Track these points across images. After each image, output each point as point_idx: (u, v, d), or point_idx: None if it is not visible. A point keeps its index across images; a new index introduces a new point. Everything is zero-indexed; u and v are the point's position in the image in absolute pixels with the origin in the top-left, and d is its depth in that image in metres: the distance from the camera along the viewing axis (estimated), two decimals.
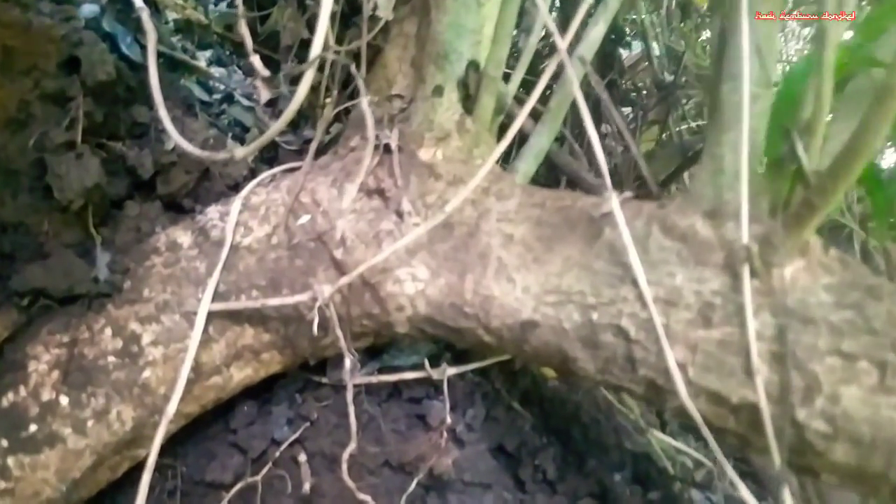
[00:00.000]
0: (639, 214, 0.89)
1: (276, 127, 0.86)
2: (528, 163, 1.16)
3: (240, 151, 0.92)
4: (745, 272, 0.76)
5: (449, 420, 1.09)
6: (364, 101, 0.96)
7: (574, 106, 0.97)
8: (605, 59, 1.79)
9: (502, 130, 0.99)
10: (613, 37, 1.81)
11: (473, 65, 1.03)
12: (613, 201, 0.85)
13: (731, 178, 0.81)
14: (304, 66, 0.81)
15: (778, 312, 0.74)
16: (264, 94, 1.14)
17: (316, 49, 0.80)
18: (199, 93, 1.23)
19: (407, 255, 0.99)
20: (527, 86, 1.30)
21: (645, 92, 2.05)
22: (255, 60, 1.08)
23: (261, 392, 1.16)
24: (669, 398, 0.81)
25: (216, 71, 1.31)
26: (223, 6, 1.40)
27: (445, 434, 1.08)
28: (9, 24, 0.93)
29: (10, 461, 0.91)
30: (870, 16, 1.33)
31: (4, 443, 0.91)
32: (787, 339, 0.72)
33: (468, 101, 1.05)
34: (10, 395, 0.94)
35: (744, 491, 0.76)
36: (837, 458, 0.71)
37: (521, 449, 1.16)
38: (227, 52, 1.37)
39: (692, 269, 0.81)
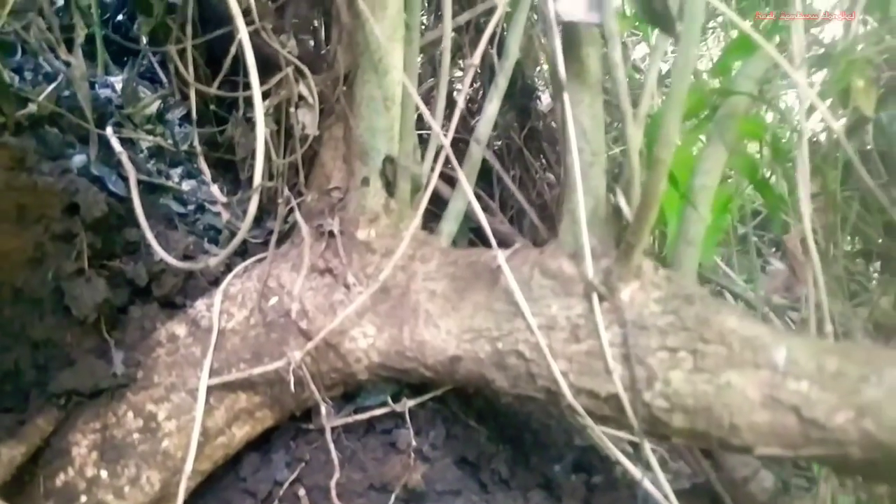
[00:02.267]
0: (525, 262, 1.15)
1: (231, 245, 1.12)
2: (449, 223, 1.42)
3: (213, 261, 1.19)
4: (595, 299, 1.02)
5: (415, 443, 1.34)
6: (299, 217, 1.22)
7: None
8: (522, 112, 2.06)
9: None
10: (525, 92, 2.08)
11: (388, 158, 1.30)
12: (500, 258, 1.12)
13: (582, 227, 1.07)
14: (250, 192, 1.08)
15: (622, 324, 1.00)
16: (225, 216, 1.41)
17: (257, 179, 1.06)
18: (175, 207, 1.50)
19: (357, 318, 1.25)
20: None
21: None
22: (215, 189, 1.35)
23: (261, 444, 1.41)
24: (561, 399, 1.06)
25: (187, 184, 1.57)
26: (187, 127, 1.67)
27: (413, 455, 1.33)
28: (20, 188, 1.20)
29: None
30: (720, 59, 1.63)
31: None
32: (629, 344, 0.98)
33: (389, 186, 1.32)
34: (62, 476, 1.19)
35: (622, 458, 1.02)
36: (676, 424, 0.96)
37: (479, 458, 1.41)
38: (194, 166, 1.64)
39: (563, 300, 1.07)
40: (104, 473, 1.20)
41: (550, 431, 1.56)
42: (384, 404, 1.38)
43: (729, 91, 1.38)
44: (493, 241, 1.13)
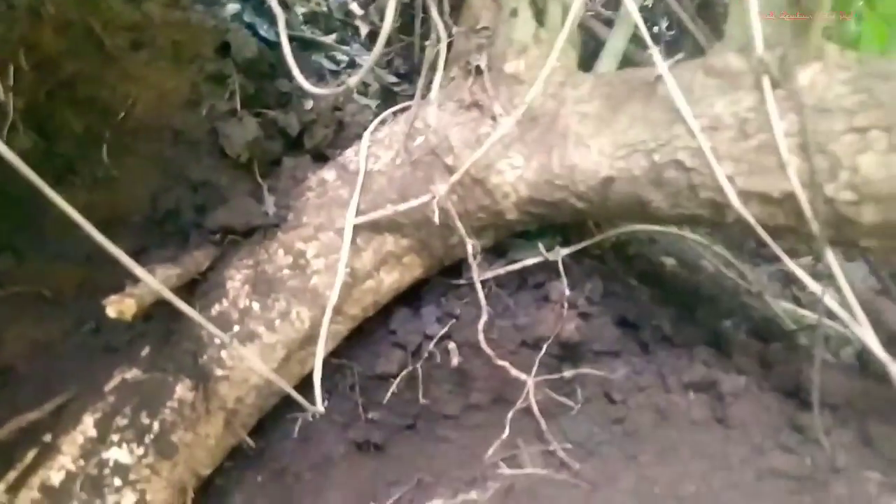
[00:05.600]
0: (686, 68, 1.03)
1: (375, 52, 1.09)
2: (607, 62, 1.31)
3: (351, 80, 1.16)
4: (767, 86, 0.89)
5: (569, 293, 1.26)
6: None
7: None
8: None
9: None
10: None
11: None
12: (658, 61, 1.00)
13: (752, 11, 0.93)
14: None
15: (799, 110, 0.86)
16: (363, 29, 1.38)
17: None
18: (327, 65, 1.49)
19: (503, 149, 1.18)
20: None
21: None
22: (354, 6, 1.33)
23: (412, 299, 1.38)
24: (728, 212, 0.94)
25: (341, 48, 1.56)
26: None
27: (566, 304, 1.25)
28: (174, 23, 1.23)
29: (223, 354, 1.18)
30: None
31: (217, 341, 1.18)
32: (807, 130, 0.84)
33: (539, 14, 1.23)
34: (217, 306, 1.21)
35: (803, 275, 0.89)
36: (866, 219, 0.82)
37: (640, 317, 1.30)
38: (349, 34, 1.63)
39: (729, 95, 0.95)
40: (256, 306, 1.21)
41: (722, 297, 1.42)
42: (536, 255, 1.31)
43: None
44: (651, 46, 1.01)
